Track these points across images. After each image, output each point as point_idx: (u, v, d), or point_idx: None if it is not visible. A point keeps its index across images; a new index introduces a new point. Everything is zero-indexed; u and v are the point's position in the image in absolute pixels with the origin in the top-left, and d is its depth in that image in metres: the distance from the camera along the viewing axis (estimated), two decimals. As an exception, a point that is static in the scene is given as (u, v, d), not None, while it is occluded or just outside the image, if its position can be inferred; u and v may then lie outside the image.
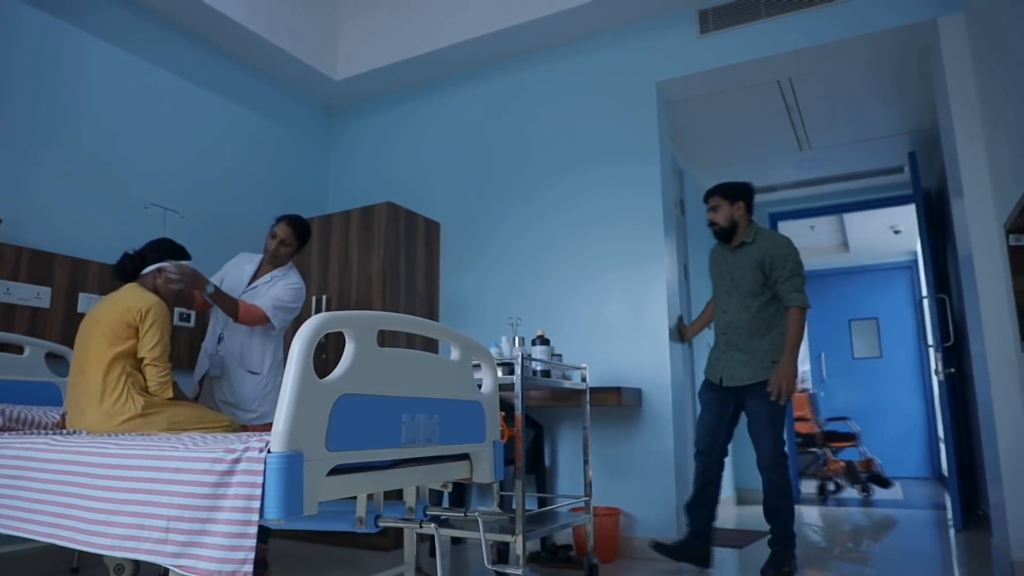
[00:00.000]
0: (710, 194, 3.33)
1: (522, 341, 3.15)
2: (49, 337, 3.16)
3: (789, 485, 3.12)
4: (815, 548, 3.83)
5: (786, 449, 3.15)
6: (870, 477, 6.10)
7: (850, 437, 6.27)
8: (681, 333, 3.74)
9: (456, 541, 3.91)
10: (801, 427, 6.35)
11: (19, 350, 3.00)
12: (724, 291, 3.31)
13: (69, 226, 3.42)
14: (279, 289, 3.16)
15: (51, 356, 3.10)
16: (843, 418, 6.55)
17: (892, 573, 3.22)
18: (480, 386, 2.10)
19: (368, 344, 1.59)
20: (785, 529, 3.10)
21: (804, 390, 6.74)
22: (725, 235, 3.28)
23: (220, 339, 3.16)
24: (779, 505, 3.10)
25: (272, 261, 3.26)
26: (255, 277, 3.27)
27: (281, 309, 3.12)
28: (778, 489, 3.09)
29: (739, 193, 3.27)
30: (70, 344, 2.93)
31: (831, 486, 6.22)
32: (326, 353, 3.98)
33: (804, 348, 7.27)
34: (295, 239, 3.25)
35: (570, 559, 3.29)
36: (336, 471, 1.48)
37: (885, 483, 6.01)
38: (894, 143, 5.16)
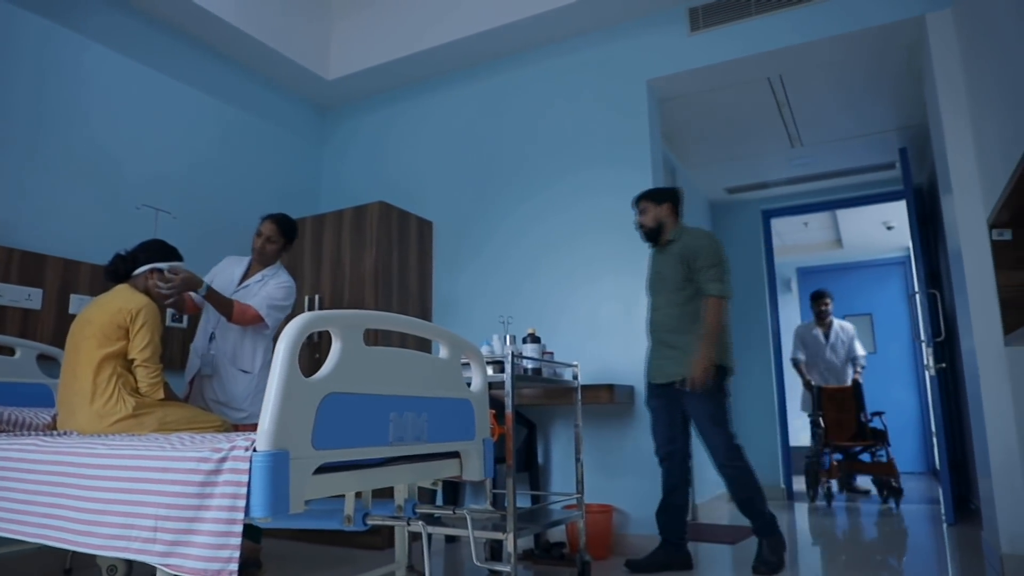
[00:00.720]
0: (638, 199, 3.39)
1: (513, 339, 3.16)
2: (40, 339, 3.16)
3: (751, 473, 3.09)
4: (809, 543, 3.85)
5: (738, 442, 3.09)
6: (883, 484, 5.41)
7: (881, 436, 5.49)
8: None
9: (450, 539, 3.92)
10: (846, 422, 5.58)
11: (10, 352, 3.00)
12: (655, 291, 3.33)
13: (60, 227, 3.42)
14: (271, 288, 3.18)
15: (43, 358, 3.10)
16: (878, 413, 5.58)
17: (885, 567, 3.24)
18: (470, 384, 2.11)
19: (354, 343, 1.60)
20: (762, 516, 3.08)
21: (856, 380, 5.89)
22: (652, 236, 3.33)
23: (212, 338, 3.17)
24: (748, 496, 3.07)
25: (260, 260, 3.28)
26: (245, 277, 3.28)
27: (274, 308, 3.14)
28: (741, 482, 3.07)
29: (664, 196, 3.34)
30: (61, 345, 2.93)
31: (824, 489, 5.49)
32: (319, 352, 3.98)
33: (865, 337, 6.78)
34: (280, 236, 3.28)
35: (563, 556, 3.30)
36: (323, 469, 1.49)
37: (898, 493, 5.27)
38: (885, 139, 5.17)
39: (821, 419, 5.65)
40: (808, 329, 6.24)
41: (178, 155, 4.05)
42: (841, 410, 5.68)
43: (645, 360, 3.40)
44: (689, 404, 3.14)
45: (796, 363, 6.19)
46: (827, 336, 6.13)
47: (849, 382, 5.98)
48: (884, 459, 5.40)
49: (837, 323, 6.19)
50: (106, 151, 3.67)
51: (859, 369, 6.11)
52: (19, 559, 3.00)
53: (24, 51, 3.35)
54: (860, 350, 6.18)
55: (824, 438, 5.56)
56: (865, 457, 5.70)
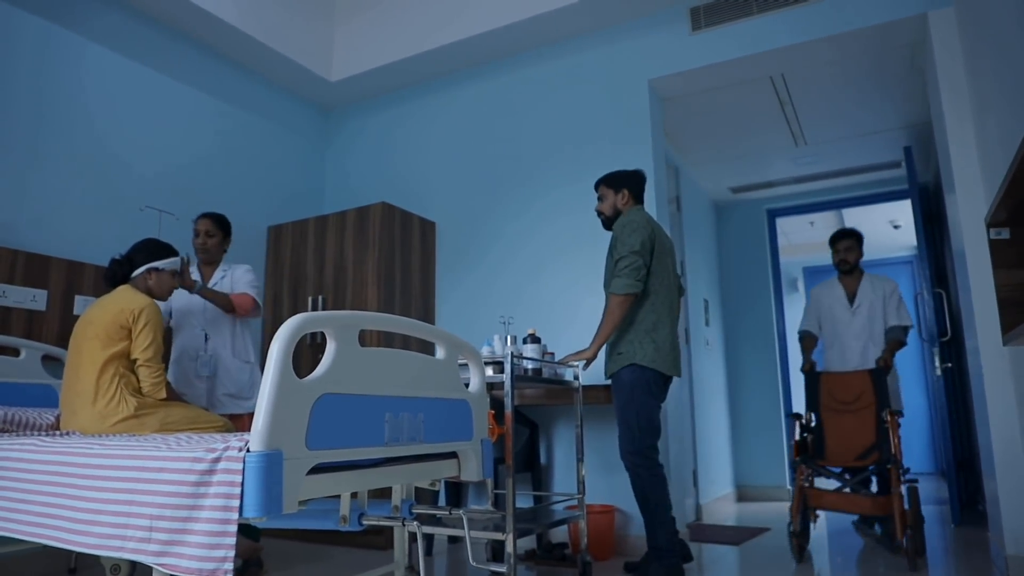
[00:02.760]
0: (597, 185, 3.22)
1: (514, 340, 3.16)
2: (45, 339, 3.19)
3: (646, 488, 2.85)
4: (812, 541, 3.83)
5: (641, 447, 2.88)
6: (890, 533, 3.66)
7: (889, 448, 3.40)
8: None
9: (453, 540, 3.93)
10: (854, 429, 3.56)
11: (15, 353, 3.03)
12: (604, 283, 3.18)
13: (64, 229, 3.45)
14: (239, 275, 3.36)
15: (47, 358, 3.13)
16: (894, 413, 3.45)
17: (890, 567, 3.22)
18: (468, 385, 2.11)
19: (349, 343, 1.61)
20: (651, 539, 2.86)
21: (880, 363, 3.79)
22: (610, 224, 3.16)
23: (206, 338, 3.24)
24: (641, 507, 2.89)
25: (206, 259, 3.38)
26: (202, 281, 3.35)
27: (256, 289, 3.35)
28: (635, 487, 2.90)
29: (621, 181, 3.15)
30: (66, 346, 2.95)
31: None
32: (323, 353, 3.99)
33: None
34: (217, 229, 3.39)
35: (565, 557, 3.30)
36: (318, 470, 1.49)
37: (906, 549, 3.14)
38: (890, 137, 5.15)
39: (809, 424, 3.77)
40: (827, 289, 4.25)
41: (181, 156, 4.08)
42: (845, 409, 3.64)
43: None
44: (612, 394, 3.03)
45: (803, 337, 4.28)
46: (852, 298, 4.16)
47: (874, 363, 3.89)
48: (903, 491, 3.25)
49: (870, 278, 4.18)
50: (109, 153, 3.70)
51: (889, 345, 3.96)
52: (23, 558, 3.02)
53: (23, 52, 3.37)
54: (898, 317, 4.02)
55: (803, 452, 3.64)
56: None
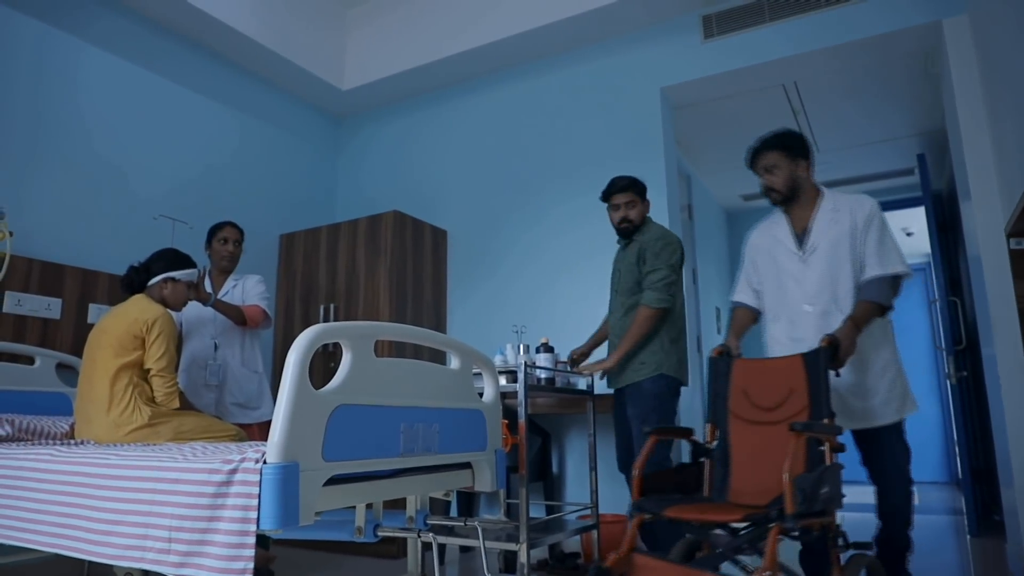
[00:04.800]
0: (625, 187, 3.10)
1: (527, 349, 3.15)
2: (60, 348, 3.20)
3: None
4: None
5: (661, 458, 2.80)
6: None
7: (813, 498, 1.85)
8: (573, 360, 3.30)
9: (465, 549, 3.91)
10: (765, 453, 2.17)
11: (30, 361, 3.04)
12: (614, 291, 3.18)
13: (79, 238, 3.47)
14: (251, 286, 3.39)
15: (61, 367, 3.14)
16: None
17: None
18: (482, 394, 2.10)
19: (365, 354, 1.60)
20: None
21: (832, 338, 2.20)
22: (628, 232, 3.13)
23: (216, 347, 3.27)
24: None
25: (228, 267, 3.43)
26: (215, 291, 3.35)
27: (267, 301, 3.39)
28: None
29: (645, 191, 3.13)
30: (80, 355, 2.96)
31: None
32: (335, 361, 4.00)
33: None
34: (242, 237, 3.47)
35: (577, 567, 3.28)
36: (334, 481, 1.49)
37: None
38: (903, 145, 5.12)
39: (707, 445, 2.42)
40: (767, 228, 2.79)
41: (193, 165, 4.10)
42: (764, 420, 2.28)
43: None
44: (629, 407, 2.98)
45: (733, 310, 2.84)
46: (802, 236, 2.58)
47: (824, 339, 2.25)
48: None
49: (832, 199, 2.56)
50: (123, 162, 3.72)
51: (856, 311, 2.33)
52: (36, 567, 3.02)
53: (23, 56, 3.38)
54: (879, 261, 2.38)
55: (666, 489, 2.27)
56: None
